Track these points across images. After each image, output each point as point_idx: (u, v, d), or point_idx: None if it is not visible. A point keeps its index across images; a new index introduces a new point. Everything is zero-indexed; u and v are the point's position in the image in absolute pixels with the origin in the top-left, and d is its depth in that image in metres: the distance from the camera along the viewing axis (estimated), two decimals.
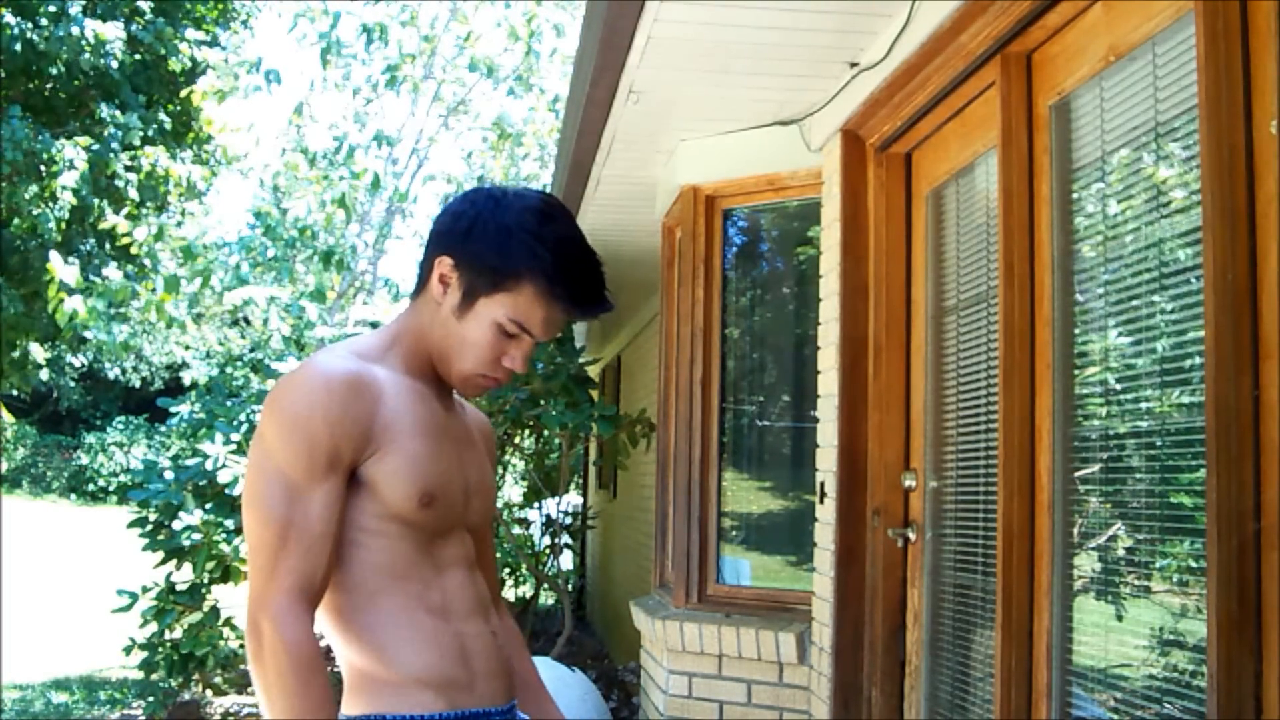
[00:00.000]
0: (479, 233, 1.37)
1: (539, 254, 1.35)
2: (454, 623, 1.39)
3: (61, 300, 6.80)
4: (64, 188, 9.03)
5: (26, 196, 9.20)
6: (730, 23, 2.89)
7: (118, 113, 9.50)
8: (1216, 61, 1.63)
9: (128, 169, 9.46)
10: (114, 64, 9.31)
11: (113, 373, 24.46)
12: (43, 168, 9.32)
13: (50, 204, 9.13)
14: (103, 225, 8.38)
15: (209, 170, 10.94)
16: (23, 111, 9.29)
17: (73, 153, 9.16)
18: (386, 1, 9.17)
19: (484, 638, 1.43)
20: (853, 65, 3.08)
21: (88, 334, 7.41)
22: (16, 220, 9.38)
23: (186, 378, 20.96)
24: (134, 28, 9.81)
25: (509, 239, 1.35)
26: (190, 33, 9.95)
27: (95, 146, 9.27)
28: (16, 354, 10.88)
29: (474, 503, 1.48)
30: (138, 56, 9.68)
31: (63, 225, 9.18)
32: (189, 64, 10.06)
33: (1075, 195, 2.24)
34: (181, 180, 8.98)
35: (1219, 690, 1.55)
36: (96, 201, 9.49)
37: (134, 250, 8.05)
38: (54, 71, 9.22)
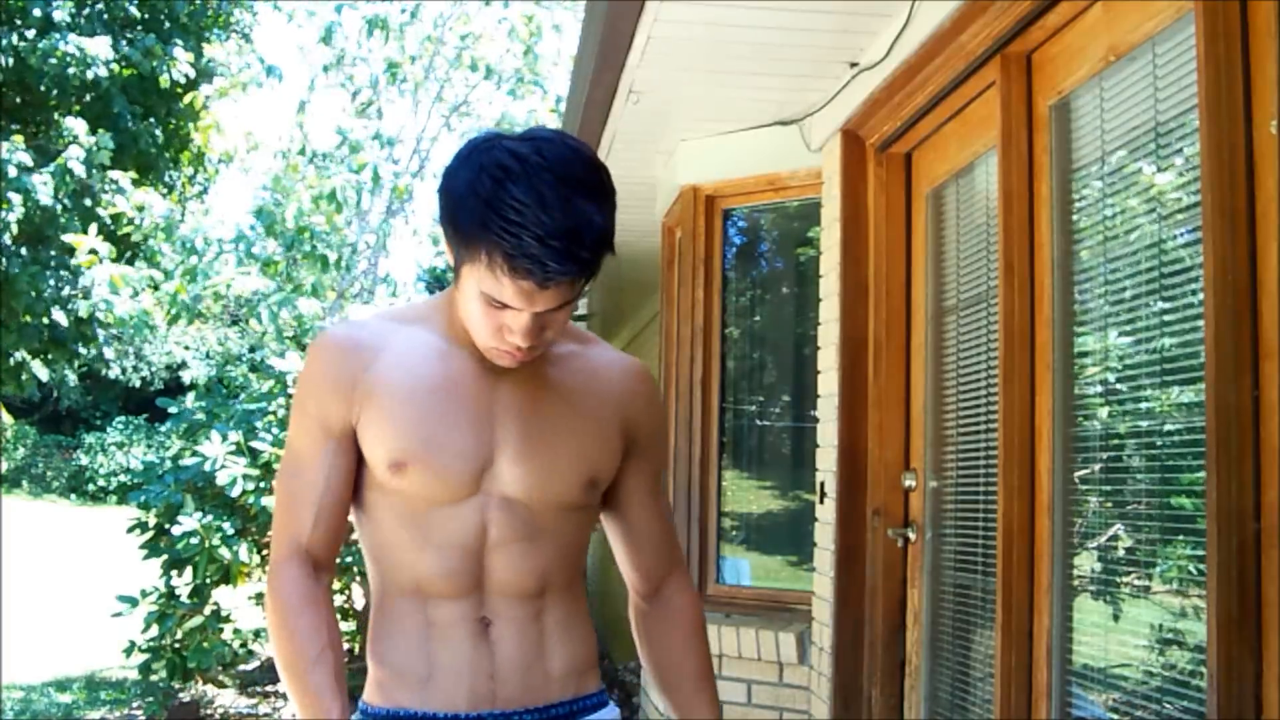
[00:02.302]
0: (442, 196, 1.22)
1: (489, 223, 1.14)
2: (428, 609, 1.28)
3: (93, 265, 6.88)
4: (12, 190, 8.87)
5: None
6: (730, 23, 2.89)
7: (76, 128, 9.26)
8: (1216, 61, 1.63)
9: (100, 190, 9.28)
10: (103, 74, 9.18)
11: (113, 372, 24.45)
12: None
13: (4, 204, 8.97)
14: (111, 210, 8.23)
15: (206, 174, 10.87)
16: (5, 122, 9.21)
17: (22, 155, 8.98)
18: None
19: (462, 627, 1.28)
20: (853, 65, 3.07)
21: (113, 298, 7.22)
22: None
23: (186, 377, 20.97)
24: (123, 44, 9.67)
25: (461, 205, 1.18)
26: (182, 51, 9.84)
27: (51, 166, 9.05)
28: (13, 365, 10.80)
29: (507, 471, 1.29)
30: (130, 71, 9.56)
31: (19, 225, 8.99)
32: (183, 81, 9.96)
33: (1075, 195, 2.24)
34: (150, 213, 8.69)
35: (1219, 690, 1.55)
36: (62, 211, 9.29)
37: (134, 238, 7.98)
38: (42, 87, 9.12)
